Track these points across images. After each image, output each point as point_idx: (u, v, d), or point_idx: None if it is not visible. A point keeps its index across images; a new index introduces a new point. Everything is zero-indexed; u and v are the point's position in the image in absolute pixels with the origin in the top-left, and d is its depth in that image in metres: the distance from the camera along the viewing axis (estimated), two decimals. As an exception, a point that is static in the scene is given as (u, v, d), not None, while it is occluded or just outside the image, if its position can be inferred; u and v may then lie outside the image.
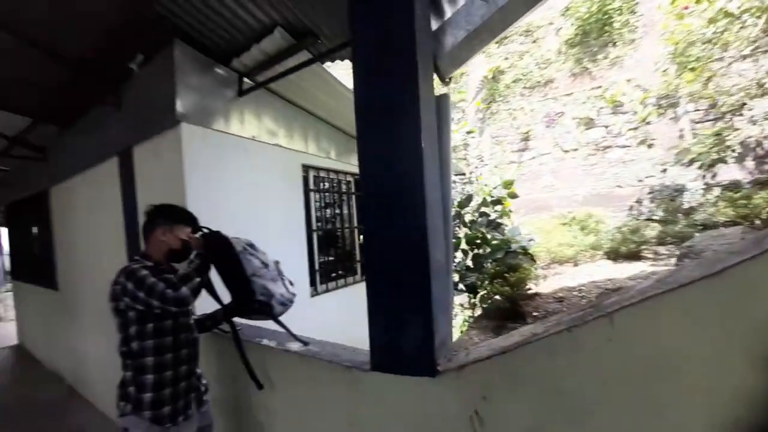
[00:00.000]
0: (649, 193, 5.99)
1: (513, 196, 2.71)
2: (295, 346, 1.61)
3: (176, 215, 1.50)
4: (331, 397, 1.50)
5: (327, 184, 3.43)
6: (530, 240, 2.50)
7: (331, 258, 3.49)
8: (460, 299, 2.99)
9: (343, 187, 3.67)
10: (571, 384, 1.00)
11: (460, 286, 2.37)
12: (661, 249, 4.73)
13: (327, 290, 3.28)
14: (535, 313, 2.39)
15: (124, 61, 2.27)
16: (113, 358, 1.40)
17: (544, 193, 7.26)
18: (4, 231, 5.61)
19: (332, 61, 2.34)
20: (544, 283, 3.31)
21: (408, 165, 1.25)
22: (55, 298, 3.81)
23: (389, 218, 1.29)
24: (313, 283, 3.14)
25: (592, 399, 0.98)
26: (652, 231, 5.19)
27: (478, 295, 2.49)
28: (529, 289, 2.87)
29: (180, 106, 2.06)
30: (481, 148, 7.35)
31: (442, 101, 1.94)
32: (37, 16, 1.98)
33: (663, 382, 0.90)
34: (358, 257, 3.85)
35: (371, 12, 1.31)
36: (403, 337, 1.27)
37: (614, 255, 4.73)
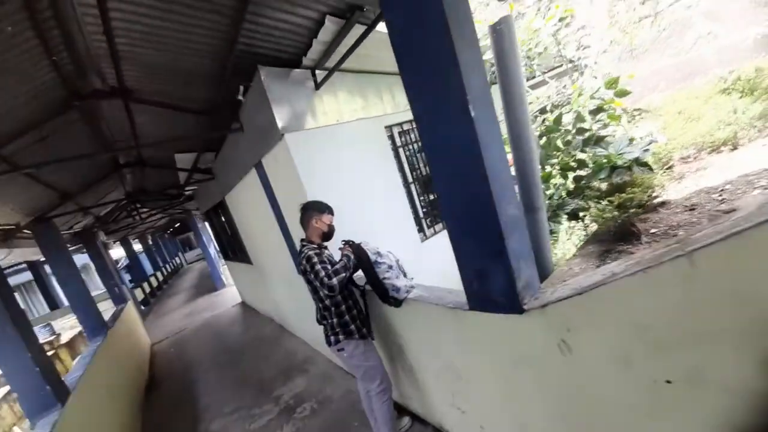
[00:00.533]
0: None
1: (622, 94, 2.17)
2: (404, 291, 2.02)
3: (320, 207, 2.06)
4: (443, 329, 1.88)
5: (412, 135, 3.56)
6: (649, 144, 2.00)
7: (433, 198, 3.69)
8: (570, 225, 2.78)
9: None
10: (649, 319, 1.05)
11: (562, 215, 2.24)
12: None
13: (435, 233, 3.61)
14: (653, 230, 2.05)
15: (234, 95, 2.87)
16: (297, 304, 2.06)
17: (698, 48, 5.32)
18: (209, 227, 8.00)
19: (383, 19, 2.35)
20: (680, 185, 2.63)
21: (457, 130, 1.34)
22: (252, 269, 5.43)
23: (453, 182, 1.45)
24: (420, 229, 3.51)
25: (669, 333, 1.02)
26: None
27: (582, 221, 2.29)
28: (653, 199, 2.39)
29: (279, 120, 2.53)
30: (593, 18, 5.80)
31: (503, 28, 1.77)
32: (173, 89, 2.71)
33: (740, 319, 0.87)
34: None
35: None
36: (489, 283, 1.48)
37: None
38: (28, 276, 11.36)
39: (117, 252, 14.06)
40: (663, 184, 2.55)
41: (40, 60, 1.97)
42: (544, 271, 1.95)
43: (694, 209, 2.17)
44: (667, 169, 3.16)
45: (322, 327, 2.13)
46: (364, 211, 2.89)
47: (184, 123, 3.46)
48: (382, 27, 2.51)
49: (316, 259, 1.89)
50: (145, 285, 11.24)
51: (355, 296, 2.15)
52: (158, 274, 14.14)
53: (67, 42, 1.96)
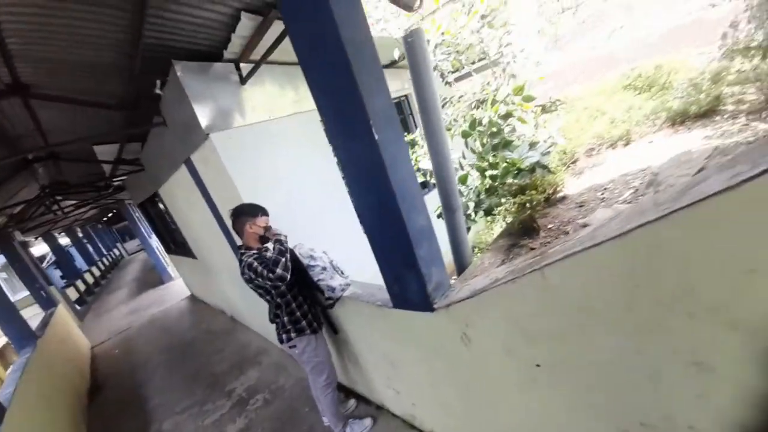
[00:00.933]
0: (747, 9, 4.24)
1: (528, 99, 2.38)
2: (339, 290, 2.14)
3: (252, 210, 1.98)
4: (375, 323, 2.05)
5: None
6: (550, 147, 2.27)
7: None
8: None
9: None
10: (520, 317, 1.26)
11: (476, 212, 2.45)
12: (750, 95, 3.56)
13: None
14: (550, 225, 2.37)
15: (151, 89, 2.65)
16: (246, 299, 2.07)
17: (612, 41, 5.79)
18: (145, 221, 7.43)
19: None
20: (578, 180, 3.00)
21: (364, 150, 1.42)
22: (197, 263, 5.24)
23: (366, 198, 1.55)
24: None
25: (535, 329, 1.24)
26: (745, 65, 3.85)
27: (495, 217, 2.55)
28: (556, 194, 2.72)
29: (202, 119, 2.41)
30: (513, 18, 6.01)
31: (414, 41, 1.82)
32: (79, 84, 2.45)
33: (585, 329, 1.10)
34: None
35: (298, 12, 1.35)
36: (406, 286, 1.64)
37: (681, 119, 3.79)
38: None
39: (40, 249, 12.60)
40: (563, 181, 2.86)
41: None
42: (464, 263, 2.16)
43: (582, 206, 2.52)
44: (572, 163, 3.53)
45: (274, 325, 2.17)
46: (305, 208, 2.91)
47: (100, 117, 3.13)
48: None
49: (256, 264, 1.88)
50: (79, 283, 10.32)
51: (305, 291, 2.17)
52: (94, 269, 12.99)
53: None
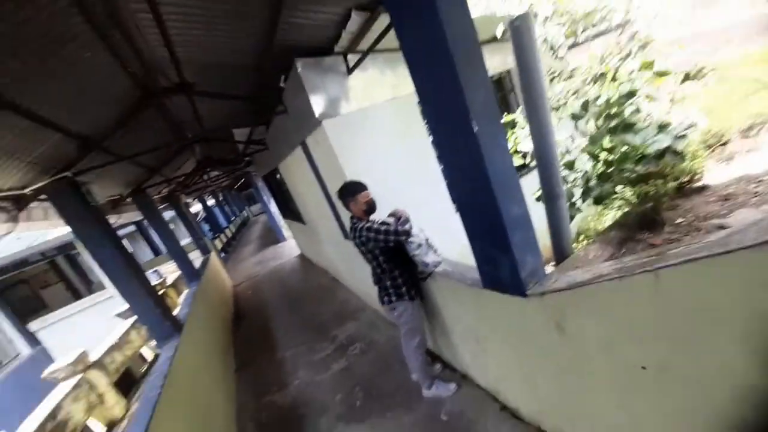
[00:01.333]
0: None
1: (662, 75, 1.88)
2: (432, 266, 2.31)
3: (352, 189, 2.26)
4: (464, 300, 2.18)
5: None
6: (686, 130, 1.77)
7: None
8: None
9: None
10: (626, 316, 1.22)
11: (584, 200, 2.17)
12: None
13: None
14: (679, 220, 1.91)
15: (277, 82, 3.12)
16: (346, 263, 2.46)
17: None
18: (266, 190, 8.83)
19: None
20: (730, 167, 2.26)
21: (462, 141, 1.48)
22: (306, 228, 6.11)
23: (462, 186, 1.63)
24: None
25: (643, 329, 1.19)
26: None
27: (606, 206, 2.20)
28: (692, 183, 2.17)
29: (316, 108, 2.76)
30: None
31: (521, 25, 1.70)
32: (224, 82, 3.05)
33: (700, 333, 1.02)
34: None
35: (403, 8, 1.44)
36: (498, 268, 1.71)
37: None
38: (131, 228, 13.81)
39: (194, 208, 16.10)
40: (704, 168, 2.26)
41: (117, 72, 2.38)
42: (564, 252, 2.07)
43: (727, 200, 1.97)
44: (720, 146, 2.73)
45: (377, 287, 2.48)
46: (400, 185, 3.12)
47: (237, 107, 3.84)
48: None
49: (377, 225, 2.16)
50: (222, 236, 13.02)
51: (405, 261, 2.36)
52: (231, 227, 16.16)
53: (137, 54, 2.36)
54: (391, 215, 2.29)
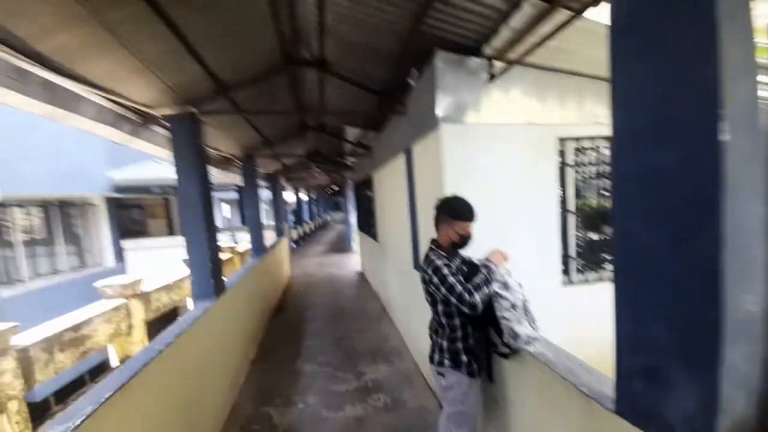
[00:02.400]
0: None
1: None
2: (523, 341, 1.60)
3: (456, 212, 1.74)
4: (561, 415, 1.41)
5: (594, 154, 2.83)
6: None
7: (597, 239, 2.93)
8: None
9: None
10: None
11: None
12: None
13: (585, 281, 2.86)
14: None
15: (406, 77, 2.91)
16: (403, 294, 1.93)
17: None
18: (354, 199, 8.94)
19: (596, 4, 1.84)
20: None
21: (687, 157, 0.86)
22: (376, 246, 5.75)
23: (653, 231, 0.97)
24: (566, 271, 2.84)
25: None
26: None
27: None
28: None
29: (439, 109, 2.40)
30: None
31: None
32: (358, 67, 2.94)
33: None
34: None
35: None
36: (667, 394, 0.97)
37: None
38: (235, 195, 15.61)
39: (288, 196, 17.52)
40: None
41: (267, 25, 2.41)
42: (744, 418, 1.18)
43: None
44: None
45: (430, 340, 1.90)
46: (507, 228, 2.50)
47: (359, 99, 3.79)
48: (589, 14, 1.99)
49: (446, 271, 1.63)
50: (300, 229, 13.73)
51: (480, 324, 1.75)
52: (312, 224, 17.09)
53: (290, 11, 2.35)
54: (485, 263, 1.69)
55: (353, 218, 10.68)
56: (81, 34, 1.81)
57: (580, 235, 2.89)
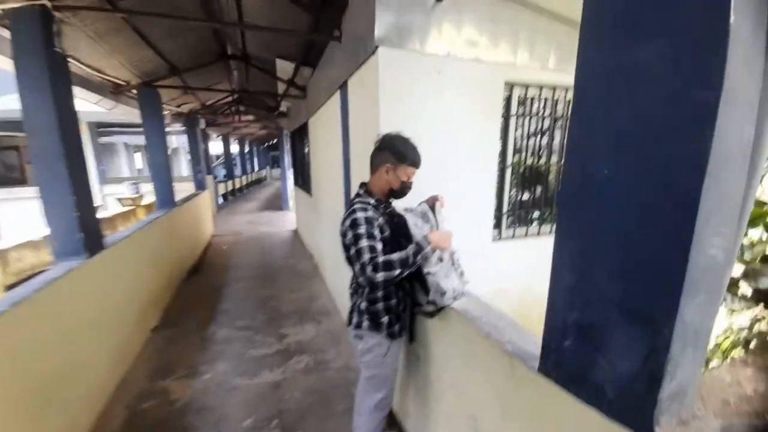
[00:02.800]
0: None
1: None
2: (450, 298, 1.42)
3: (401, 154, 1.42)
4: (484, 372, 1.27)
5: (539, 104, 2.69)
6: None
7: (528, 198, 2.91)
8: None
9: (562, 107, 2.79)
10: None
11: (745, 287, 1.34)
12: None
13: (514, 236, 2.84)
14: None
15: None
16: (335, 253, 1.61)
17: None
18: (289, 149, 8.13)
19: None
20: None
21: (685, 19, 0.63)
22: (310, 200, 5.30)
23: (619, 140, 0.75)
24: (498, 225, 2.78)
25: None
26: None
27: None
28: None
29: (378, 28, 1.97)
30: None
31: None
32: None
33: None
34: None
35: None
36: (603, 354, 0.82)
37: None
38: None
39: (217, 147, 15.69)
40: None
41: None
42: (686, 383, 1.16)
43: None
44: None
45: (350, 300, 1.64)
46: (441, 176, 2.27)
47: (285, 14, 3.12)
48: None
49: (363, 230, 1.33)
50: (230, 184, 12.43)
51: (404, 282, 1.52)
52: (244, 178, 15.63)
53: None
54: (420, 242, 1.37)
55: (289, 172, 9.88)
56: None
57: (512, 192, 2.83)
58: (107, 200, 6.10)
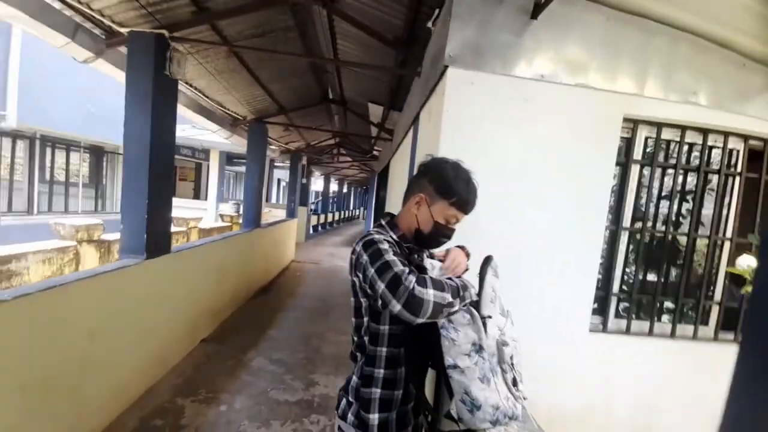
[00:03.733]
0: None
1: None
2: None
3: (448, 186, 0.98)
4: None
5: (678, 154, 1.94)
6: None
7: (655, 280, 2.04)
8: None
9: (715, 161, 1.97)
10: None
11: None
12: None
13: (628, 330, 1.96)
14: None
15: (425, 22, 2.23)
16: None
17: None
18: (374, 190, 8.31)
19: None
20: None
21: None
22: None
23: None
24: (602, 311, 1.97)
25: None
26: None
27: None
28: None
29: (450, 46, 1.69)
30: None
31: None
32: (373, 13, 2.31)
33: None
34: (717, 293, 2.04)
35: None
36: None
37: None
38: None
39: (318, 184, 17.36)
40: None
41: None
42: None
43: None
44: None
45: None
46: (520, 235, 1.72)
47: (373, 52, 3.19)
48: None
49: (384, 246, 0.90)
50: (323, 217, 13.42)
51: (419, 363, 1.01)
52: (337, 214, 16.80)
53: None
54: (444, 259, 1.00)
55: (372, 212, 10.07)
56: None
57: (628, 271, 2.01)
58: (219, 216, 7.12)
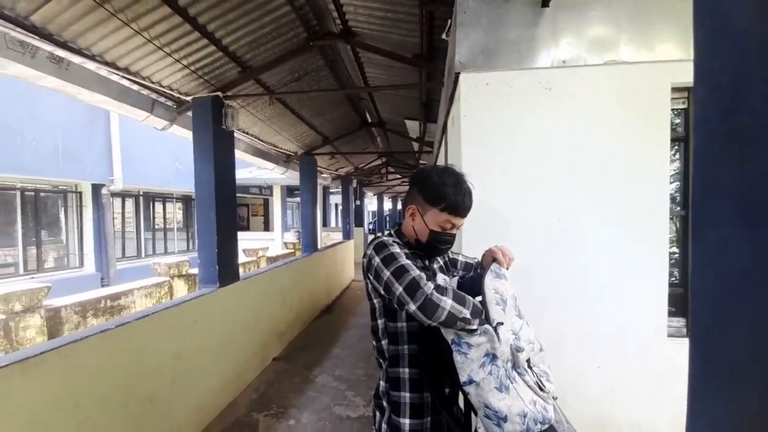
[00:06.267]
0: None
1: None
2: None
3: (434, 193, 0.99)
4: None
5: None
6: None
7: None
8: None
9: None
10: None
11: None
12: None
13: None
14: None
15: (440, 34, 2.28)
16: None
17: None
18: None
19: None
20: None
21: None
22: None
23: None
24: (683, 311, 1.69)
25: None
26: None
27: None
28: None
29: (459, 55, 1.70)
30: None
31: None
32: (386, 34, 2.46)
33: None
34: None
35: None
36: None
37: None
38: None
39: (373, 204, 17.80)
40: None
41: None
42: None
43: None
44: None
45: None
46: (572, 233, 1.60)
47: (402, 74, 3.32)
48: None
49: (396, 249, 0.94)
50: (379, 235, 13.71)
51: (445, 354, 0.93)
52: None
53: None
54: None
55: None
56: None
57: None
58: (284, 244, 7.78)
